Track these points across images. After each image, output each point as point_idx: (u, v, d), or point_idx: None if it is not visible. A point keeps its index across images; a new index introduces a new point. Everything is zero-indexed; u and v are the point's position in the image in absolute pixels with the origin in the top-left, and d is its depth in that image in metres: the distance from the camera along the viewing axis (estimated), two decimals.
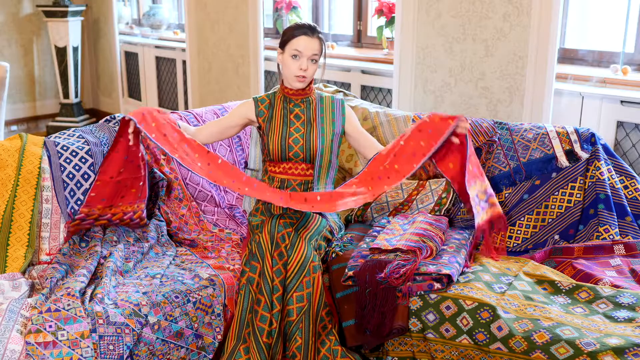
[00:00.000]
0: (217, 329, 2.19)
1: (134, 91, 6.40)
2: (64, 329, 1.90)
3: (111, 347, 1.95)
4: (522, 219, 2.53)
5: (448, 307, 2.06)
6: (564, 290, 2.09)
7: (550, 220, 2.49)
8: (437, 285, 2.10)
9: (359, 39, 4.42)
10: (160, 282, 2.24)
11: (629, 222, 2.41)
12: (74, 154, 2.59)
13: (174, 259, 2.46)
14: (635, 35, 3.08)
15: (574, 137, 2.56)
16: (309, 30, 2.35)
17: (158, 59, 5.96)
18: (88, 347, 1.91)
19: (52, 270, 2.21)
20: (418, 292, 2.11)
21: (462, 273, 2.19)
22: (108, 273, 2.20)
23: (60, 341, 1.88)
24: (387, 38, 4.06)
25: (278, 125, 2.46)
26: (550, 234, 2.47)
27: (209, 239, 2.66)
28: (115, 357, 1.95)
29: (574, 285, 2.09)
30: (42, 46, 6.32)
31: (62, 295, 1.99)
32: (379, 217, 2.71)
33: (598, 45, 3.28)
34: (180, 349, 2.11)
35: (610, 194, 2.44)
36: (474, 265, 2.25)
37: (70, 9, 5.85)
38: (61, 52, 6.01)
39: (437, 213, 2.67)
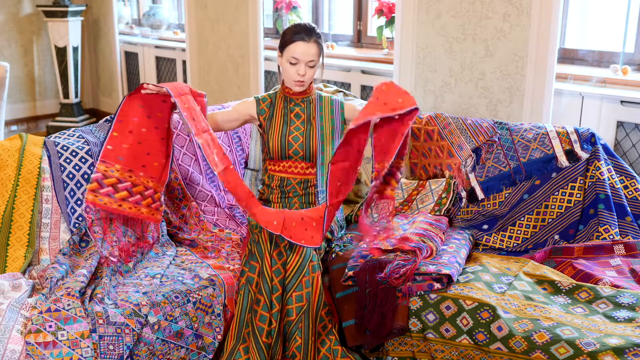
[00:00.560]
0: (217, 329, 2.19)
1: None
2: (64, 329, 1.90)
3: (111, 347, 1.95)
4: (522, 219, 2.53)
5: (448, 307, 2.06)
6: (564, 290, 2.09)
7: (550, 220, 2.49)
8: (437, 285, 2.10)
9: (359, 39, 4.42)
10: (160, 282, 2.24)
11: (629, 222, 2.41)
12: (74, 154, 2.59)
13: (174, 259, 2.46)
14: (635, 35, 3.08)
15: (574, 137, 2.56)
16: (306, 34, 2.36)
17: (158, 59, 5.96)
18: (88, 347, 1.91)
19: (52, 270, 2.20)
20: (418, 292, 2.11)
21: (462, 273, 2.19)
22: (108, 273, 2.20)
23: (60, 341, 1.88)
24: (387, 38, 4.06)
25: (278, 123, 2.46)
26: (550, 234, 2.47)
27: (209, 239, 2.66)
28: (115, 357, 1.95)
29: (574, 285, 2.09)
30: (42, 46, 6.32)
31: (62, 295, 1.99)
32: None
33: (598, 45, 3.28)
34: (180, 349, 2.11)
35: (610, 194, 2.44)
36: (474, 265, 2.25)
37: (70, 9, 5.85)
38: (61, 52, 6.00)
39: (437, 213, 2.67)
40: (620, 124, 2.94)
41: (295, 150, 2.44)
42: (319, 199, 2.46)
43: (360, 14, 4.35)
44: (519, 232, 2.53)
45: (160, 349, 2.06)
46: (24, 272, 2.28)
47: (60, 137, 2.66)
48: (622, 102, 2.89)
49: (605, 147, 2.55)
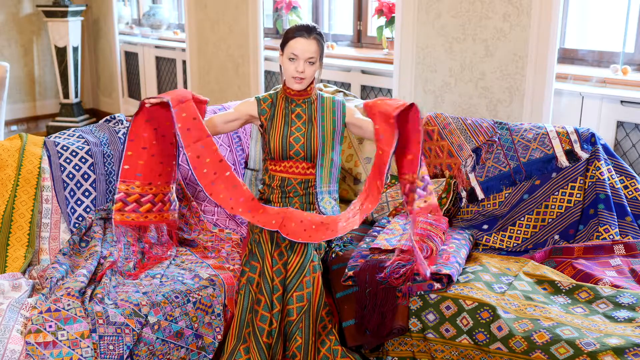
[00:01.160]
0: (217, 329, 2.19)
1: (134, 91, 6.40)
2: (64, 329, 1.90)
3: (111, 347, 1.95)
4: (522, 219, 2.53)
5: (448, 307, 2.06)
6: (564, 290, 2.09)
7: (550, 220, 2.49)
8: (437, 285, 2.10)
9: (359, 39, 4.42)
10: (160, 282, 2.24)
11: (629, 222, 2.41)
12: (74, 154, 2.59)
13: (173, 259, 2.46)
14: (635, 35, 3.08)
15: (574, 137, 2.56)
16: (306, 32, 2.36)
17: (158, 59, 5.96)
18: (88, 347, 1.91)
19: (52, 270, 2.20)
20: (418, 292, 2.11)
21: (462, 273, 2.19)
22: (108, 273, 2.20)
23: (60, 341, 1.88)
24: (387, 38, 4.06)
25: (279, 123, 2.46)
26: (550, 234, 2.47)
27: (209, 239, 2.66)
28: (115, 357, 1.95)
29: (574, 285, 2.09)
30: (42, 46, 6.32)
31: (62, 295, 1.99)
32: (379, 217, 2.71)
33: (598, 45, 3.28)
34: (180, 349, 2.11)
35: (610, 194, 2.44)
36: (474, 265, 2.25)
37: (70, 9, 5.85)
38: (61, 52, 6.00)
39: None
40: (620, 124, 2.94)
41: (297, 151, 2.44)
42: (318, 199, 2.46)
43: (360, 14, 4.35)
44: (519, 232, 2.53)
45: (160, 349, 2.06)
46: (24, 272, 2.28)
47: (60, 137, 2.66)
48: (622, 102, 2.89)
49: (605, 147, 2.55)
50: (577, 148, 2.54)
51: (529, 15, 3.03)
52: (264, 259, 2.16)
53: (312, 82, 2.48)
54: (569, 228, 2.46)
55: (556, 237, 2.46)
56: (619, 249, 2.30)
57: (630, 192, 2.48)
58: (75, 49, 6.05)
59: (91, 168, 2.60)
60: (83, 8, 6.06)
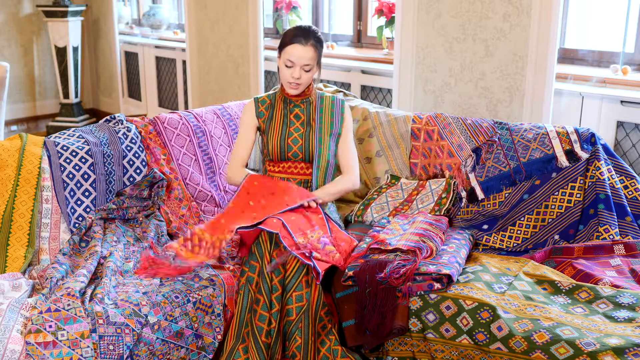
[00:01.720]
0: (217, 329, 2.19)
1: (134, 91, 6.40)
2: (64, 329, 1.90)
3: (111, 347, 1.95)
4: (522, 219, 2.53)
5: (448, 307, 2.06)
6: (564, 290, 2.09)
7: (550, 220, 2.49)
8: (437, 285, 2.10)
9: (359, 39, 4.42)
10: (160, 282, 2.24)
11: (629, 222, 2.41)
12: (74, 154, 2.59)
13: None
14: (635, 35, 3.08)
15: (574, 137, 2.56)
16: (303, 38, 2.36)
17: (158, 59, 5.96)
18: (88, 347, 1.91)
19: (52, 270, 2.20)
20: (418, 292, 2.11)
21: (462, 273, 2.19)
22: (108, 273, 2.20)
23: (60, 341, 1.88)
24: (387, 38, 4.06)
25: (278, 125, 2.47)
26: (550, 234, 2.47)
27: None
28: (115, 357, 1.95)
29: (574, 285, 2.09)
30: (42, 46, 6.32)
31: (62, 295, 1.99)
32: (379, 217, 2.71)
33: (598, 45, 3.28)
34: (180, 349, 2.11)
35: (610, 194, 2.44)
36: (474, 265, 2.25)
37: (70, 9, 5.85)
38: (61, 52, 6.01)
39: (437, 213, 2.66)
40: (620, 124, 2.94)
41: (295, 153, 2.44)
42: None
43: (360, 14, 4.35)
44: (519, 232, 2.53)
45: (160, 349, 2.06)
46: (24, 272, 2.28)
47: (60, 137, 2.66)
48: (622, 102, 2.89)
49: (605, 147, 2.55)
50: (577, 148, 2.54)
51: (529, 15, 3.03)
52: (263, 258, 2.16)
53: (310, 84, 2.48)
54: (569, 228, 2.46)
55: (556, 237, 2.46)
56: (619, 249, 2.30)
57: (630, 192, 2.47)
58: (75, 49, 6.05)
59: (91, 168, 2.60)
60: (83, 8, 6.06)
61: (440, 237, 2.35)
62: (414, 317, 2.10)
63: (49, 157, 2.55)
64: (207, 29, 4.97)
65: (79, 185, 2.56)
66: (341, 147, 2.54)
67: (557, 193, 2.52)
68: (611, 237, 2.35)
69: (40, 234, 2.43)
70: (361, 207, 2.79)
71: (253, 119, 2.52)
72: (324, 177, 2.49)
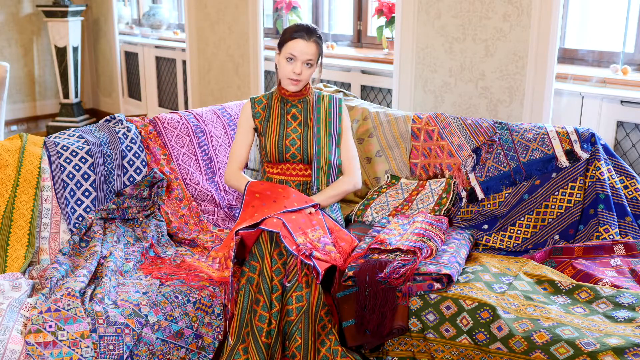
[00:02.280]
0: (217, 329, 2.19)
1: (134, 91, 6.40)
2: (64, 329, 1.90)
3: (111, 347, 1.95)
4: (522, 219, 2.53)
5: (448, 307, 2.06)
6: (564, 290, 2.09)
7: (550, 220, 2.49)
8: (437, 285, 2.10)
9: (359, 39, 4.42)
10: (160, 282, 2.24)
11: (629, 222, 2.41)
12: (74, 154, 2.59)
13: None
14: (635, 35, 3.08)
15: (574, 137, 2.56)
16: (306, 33, 2.35)
17: (158, 59, 5.96)
18: (88, 347, 1.91)
19: (52, 270, 2.20)
20: (418, 292, 2.11)
21: (462, 273, 2.19)
22: (108, 273, 2.20)
23: (60, 341, 1.88)
24: (387, 38, 4.06)
25: (275, 126, 2.46)
26: (550, 234, 2.47)
27: (209, 239, 2.66)
28: (115, 357, 1.95)
29: (574, 285, 2.09)
30: (42, 46, 6.32)
31: (62, 295, 1.99)
32: (379, 217, 2.71)
33: (598, 45, 3.28)
34: (180, 349, 2.11)
35: (610, 194, 2.44)
36: (474, 265, 2.25)
37: (70, 9, 5.85)
38: (61, 52, 6.01)
39: (437, 213, 2.66)
40: (620, 124, 2.94)
41: (293, 154, 2.44)
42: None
43: (360, 14, 4.35)
44: (519, 232, 2.53)
45: (160, 349, 2.06)
46: (24, 272, 2.28)
47: (60, 137, 2.66)
48: (622, 102, 2.90)
49: (605, 147, 2.55)
50: (577, 148, 2.54)
51: (529, 15, 3.03)
52: (263, 258, 2.16)
53: (308, 83, 2.47)
54: (569, 228, 2.46)
55: (556, 237, 2.46)
56: (619, 249, 2.30)
57: (630, 192, 2.47)
58: (75, 49, 6.05)
59: (91, 168, 2.60)
60: (83, 8, 6.06)
61: (440, 237, 2.35)
62: (414, 317, 2.10)
63: (49, 157, 2.55)
64: (207, 29, 4.97)
65: (79, 185, 2.56)
66: (341, 148, 2.54)
67: (557, 193, 2.52)
68: (611, 237, 2.35)
69: (40, 234, 2.43)
70: (361, 207, 2.79)
71: (250, 120, 2.52)
72: (326, 178, 2.48)
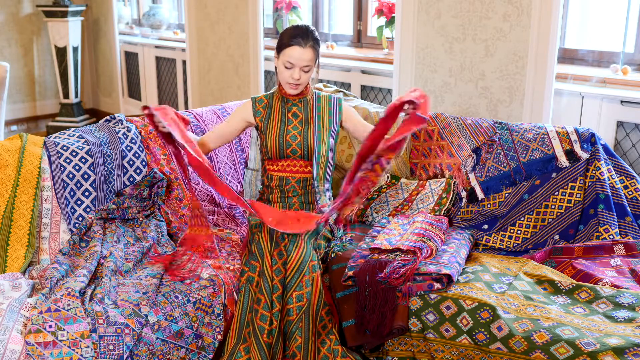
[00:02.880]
0: (217, 329, 2.19)
1: (134, 91, 6.40)
2: (64, 329, 1.90)
3: (111, 347, 1.95)
4: (522, 219, 2.53)
5: (448, 307, 2.06)
6: (564, 290, 2.09)
7: (550, 220, 2.49)
8: (437, 285, 2.10)
9: (359, 39, 4.42)
10: (160, 282, 2.24)
11: (629, 222, 2.41)
12: (74, 154, 2.59)
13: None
14: (635, 35, 3.08)
15: (574, 137, 2.56)
16: (302, 39, 2.37)
17: (158, 59, 5.96)
18: (88, 347, 1.91)
19: (52, 270, 2.20)
20: (418, 292, 2.11)
21: (462, 273, 2.19)
22: (108, 273, 2.20)
23: (60, 341, 1.88)
24: (387, 38, 4.06)
25: (276, 123, 2.47)
26: (550, 234, 2.47)
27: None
28: (115, 357, 1.95)
29: (574, 285, 2.09)
30: (42, 46, 6.32)
31: (62, 295, 1.99)
32: (379, 217, 2.71)
33: (598, 45, 3.28)
34: (180, 349, 2.11)
35: (610, 194, 2.44)
36: (474, 265, 2.25)
37: (70, 9, 5.85)
38: (61, 52, 6.01)
39: (437, 213, 2.66)
40: (620, 124, 2.94)
41: (294, 149, 2.45)
42: (317, 198, 2.47)
43: (360, 14, 4.35)
44: (519, 232, 2.53)
45: (160, 349, 2.06)
46: (24, 272, 2.28)
47: (60, 137, 2.66)
48: (622, 102, 2.89)
49: (605, 147, 2.55)
50: (577, 148, 2.54)
51: (529, 15, 3.03)
52: (264, 258, 2.16)
53: (307, 83, 2.49)
54: (569, 228, 2.46)
55: (556, 237, 2.46)
56: (619, 249, 2.30)
57: (630, 192, 2.47)
58: (75, 49, 6.05)
59: (91, 168, 2.60)
60: (83, 8, 6.06)
61: (440, 237, 2.35)
62: (414, 317, 2.10)
63: (49, 157, 2.55)
64: (207, 29, 4.97)
65: (79, 185, 2.56)
66: (360, 129, 2.54)
67: (557, 193, 2.52)
68: (611, 237, 2.35)
69: (40, 234, 2.43)
70: (361, 207, 2.78)
71: (249, 116, 2.52)
72: (324, 174, 2.49)
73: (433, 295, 2.09)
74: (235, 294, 2.25)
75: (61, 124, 6.05)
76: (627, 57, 3.10)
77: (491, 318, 1.96)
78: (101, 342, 1.94)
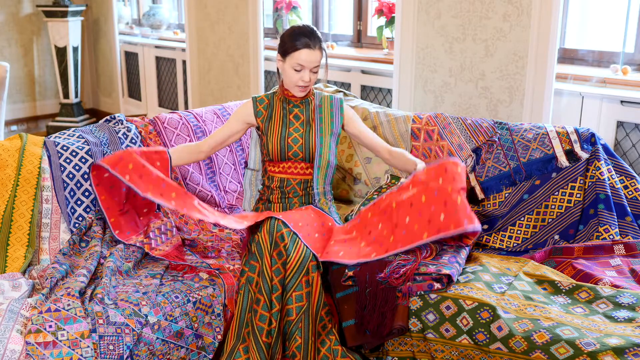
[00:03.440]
0: (217, 329, 2.19)
1: (134, 91, 6.40)
2: (64, 329, 1.90)
3: (111, 347, 1.95)
4: (522, 219, 2.53)
5: (448, 307, 2.06)
6: (564, 290, 2.09)
7: (550, 220, 2.49)
8: (437, 285, 2.10)
9: (359, 39, 4.42)
10: (160, 282, 2.24)
11: (629, 222, 2.41)
12: (74, 154, 2.59)
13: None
14: (635, 35, 3.08)
15: (574, 137, 2.56)
16: (311, 42, 2.36)
17: (158, 59, 5.96)
18: (88, 347, 1.91)
19: (52, 270, 2.20)
20: (418, 292, 2.11)
21: (462, 273, 2.19)
22: (108, 273, 2.20)
23: (60, 341, 1.88)
24: (387, 38, 4.06)
25: (277, 125, 2.47)
26: (550, 234, 2.47)
27: (209, 239, 2.66)
28: (115, 357, 1.95)
29: (574, 285, 2.09)
30: (42, 46, 6.32)
31: (62, 295, 1.99)
32: None
33: (598, 45, 3.28)
34: (180, 349, 2.11)
35: (610, 194, 2.44)
36: (474, 265, 2.25)
37: (70, 9, 5.85)
38: (61, 52, 6.01)
39: None
40: (620, 124, 2.94)
41: (295, 152, 2.44)
42: (316, 200, 2.47)
43: (360, 14, 4.35)
44: (519, 232, 2.53)
45: (160, 349, 2.06)
46: (24, 272, 2.28)
47: (60, 137, 2.66)
48: (622, 102, 2.90)
49: (605, 147, 2.55)
50: (577, 148, 2.54)
51: (529, 15, 3.03)
52: (263, 258, 2.16)
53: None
54: (569, 228, 2.46)
55: (556, 237, 2.46)
56: (619, 249, 2.30)
57: (630, 192, 2.48)
58: (75, 49, 6.05)
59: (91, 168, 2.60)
60: (83, 8, 6.06)
61: None
62: (414, 317, 2.10)
63: (49, 157, 2.55)
64: (207, 29, 4.97)
65: (79, 185, 2.56)
66: (359, 136, 2.56)
67: (557, 193, 2.52)
68: (611, 237, 2.35)
69: (40, 234, 2.43)
70: (361, 207, 2.78)
71: (249, 117, 2.52)
72: (324, 177, 2.49)
73: (433, 295, 2.09)
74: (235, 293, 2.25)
75: (61, 124, 6.05)
76: (627, 57, 3.10)
77: (491, 318, 1.96)
78: (101, 342, 1.94)
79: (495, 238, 2.53)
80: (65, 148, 2.59)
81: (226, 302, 2.25)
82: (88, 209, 2.56)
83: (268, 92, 2.57)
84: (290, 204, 2.47)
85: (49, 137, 2.67)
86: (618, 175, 2.50)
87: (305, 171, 2.47)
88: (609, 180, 2.46)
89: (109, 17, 6.26)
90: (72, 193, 2.54)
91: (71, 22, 5.92)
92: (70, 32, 5.94)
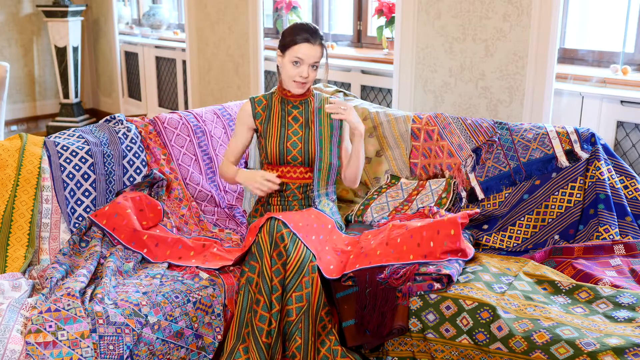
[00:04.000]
0: (217, 329, 2.19)
1: (134, 91, 6.40)
2: (64, 329, 1.90)
3: (111, 347, 1.95)
4: (522, 219, 2.53)
5: (448, 307, 2.06)
6: (564, 290, 2.09)
7: (550, 220, 2.49)
8: (437, 285, 2.10)
9: (359, 39, 4.42)
10: (160, 282, 2.24)
11: (629, 222, 2.41)
12: (74, 154, 2.59)
13: None
14: (635, 35, 3.08)
15: (574, 137, 2.56)
16: (311, 37, 2.34)
17: (158, 59, 5.96)
18: (88, 347, 1.91)
19: (52, 270, 2.20)
20: (418, 292, 2.11)
21: (462, 273, 2.19)
22: (108, 273, 2.20)
23: (60, 341, 1.88)
24: (387, 38, 4.06)
25: (276, 127, 2.45)
26: (550, 234, 2.47)
27: (209, 238, 2.66)
28: (115, 357, 1.95)
29: (574, 285, 2.09)
30: (42, 46, 6.32)
31: (62, 295, 1.99)
32: (379, 217, 2.71)
33: (598, 45, 3.28)
34: (180, 349, 2.11)
35: (610, 194, 2.44)
36: (474, 265, 2.25)
37: (70, 9, 5.85)
38: (61, 52, 6.01)
39: None
40: (620, 124, 2.94)
41: (294, 157, 2.43)
42: (316, 202, 2.46)
43: (360, 14, 4.35)
44: (519, 232, 2.53)
45: (160, 349, 2.06)
46: (24, 272, 2.28)
47: (60, 137, 2.66)
48: (622, 102, 2.90)
49: (605, 147, 2.55)
50: (577, 148, 2.54)
51: (529, 15, 3.03)
52: (263, 259, 2.16)
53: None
54: (569, 228, 2.46)
55: (556, 237, 2.46)
56: (619, 249, 2.30)
57: (630, 192, 2.47)
58: (75, 49, 6.05)
59: (91, 168, 2.60)
60: (83, 8, 6.06)
61: None
62: (414, 317, 2.10)
63: (49, 157, 2.55)
64: (207, 29, 4.97)
65: (79, 185, 2.56)
66: (341, 145, 2.55)
67: (557, 193, 2.52)
68: (611, 237, 2.35)
69: (40, 234, 2.43)
70: (361, 207, 2.79)
71: (249, 119, 2.51)
72: (326, 180, 2.48)
73: (433, 295, 2.09)
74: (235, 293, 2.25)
75: (61, 124, 6.05)
76: (627, 57, 3.10)
77: (491, 318, 1.96)
78: (101, 342, 1.94)
79: (495, 238, 2.53)
80: (65, 148, 2.59)
81: (226, 302, 2.25)
82: (88, 209, 2.56)
83: (266, 93, 2.56)
84: (290, 206, 2.47)
85: (49, 137, 2.67)
86: (618, 175, 2.50)
87: (305, 175, 2.46)
88: (609, 180, 2.46)
89: (109, 17, 6.26)
90: (72, 193, 2.54)
91: (71, 22, 5.92)
92: (70, 32, 5.94)
